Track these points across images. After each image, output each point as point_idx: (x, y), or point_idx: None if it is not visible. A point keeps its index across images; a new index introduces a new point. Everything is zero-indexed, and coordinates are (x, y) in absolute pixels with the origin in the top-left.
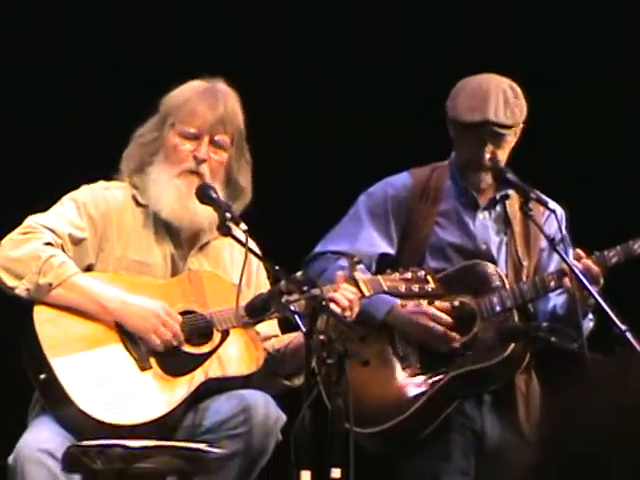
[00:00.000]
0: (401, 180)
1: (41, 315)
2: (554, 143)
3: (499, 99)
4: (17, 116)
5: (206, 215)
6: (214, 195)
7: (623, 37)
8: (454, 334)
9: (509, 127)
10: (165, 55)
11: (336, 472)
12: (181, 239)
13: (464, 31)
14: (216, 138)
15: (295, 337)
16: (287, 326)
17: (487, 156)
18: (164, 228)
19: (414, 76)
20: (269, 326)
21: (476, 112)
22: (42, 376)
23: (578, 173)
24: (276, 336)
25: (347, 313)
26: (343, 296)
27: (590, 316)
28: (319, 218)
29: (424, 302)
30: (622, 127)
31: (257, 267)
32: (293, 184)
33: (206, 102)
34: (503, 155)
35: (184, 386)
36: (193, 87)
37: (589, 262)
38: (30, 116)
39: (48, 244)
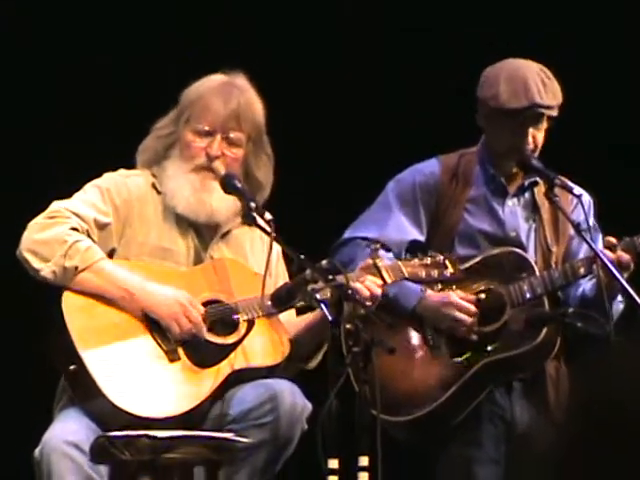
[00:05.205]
0: (429, 166)
1: (70, 302)
2: (583, 128)
3: (538, 82)
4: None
5: (223, 206)
6: (238, 184)
7: None
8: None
9: (553, 107)
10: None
11: (364, 460)
12: (201, 227)
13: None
14: (230, 135)
15: (309, 318)
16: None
17: (530, 140)
18: (184, 217)
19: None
20: (286, 313)
21: (521, 97)
22: (72, 367)
23: (607, 158)
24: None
25: (368, 303)
26: (366, 287)
27: (619, 298)
28: (346, 205)
29: (451, 291)
30: None
31: (277, 257)
32: (319, 170)
33: (219, 98)
34: (541, 138)
35: (210, 379)
36: (209, 81)
37: (620, 252)
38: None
39: (74, 229)
